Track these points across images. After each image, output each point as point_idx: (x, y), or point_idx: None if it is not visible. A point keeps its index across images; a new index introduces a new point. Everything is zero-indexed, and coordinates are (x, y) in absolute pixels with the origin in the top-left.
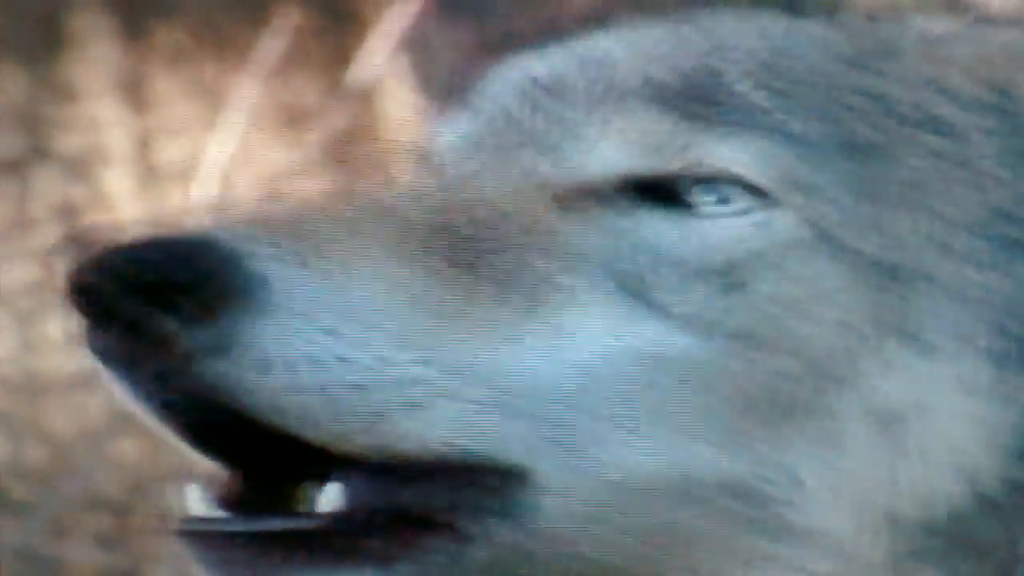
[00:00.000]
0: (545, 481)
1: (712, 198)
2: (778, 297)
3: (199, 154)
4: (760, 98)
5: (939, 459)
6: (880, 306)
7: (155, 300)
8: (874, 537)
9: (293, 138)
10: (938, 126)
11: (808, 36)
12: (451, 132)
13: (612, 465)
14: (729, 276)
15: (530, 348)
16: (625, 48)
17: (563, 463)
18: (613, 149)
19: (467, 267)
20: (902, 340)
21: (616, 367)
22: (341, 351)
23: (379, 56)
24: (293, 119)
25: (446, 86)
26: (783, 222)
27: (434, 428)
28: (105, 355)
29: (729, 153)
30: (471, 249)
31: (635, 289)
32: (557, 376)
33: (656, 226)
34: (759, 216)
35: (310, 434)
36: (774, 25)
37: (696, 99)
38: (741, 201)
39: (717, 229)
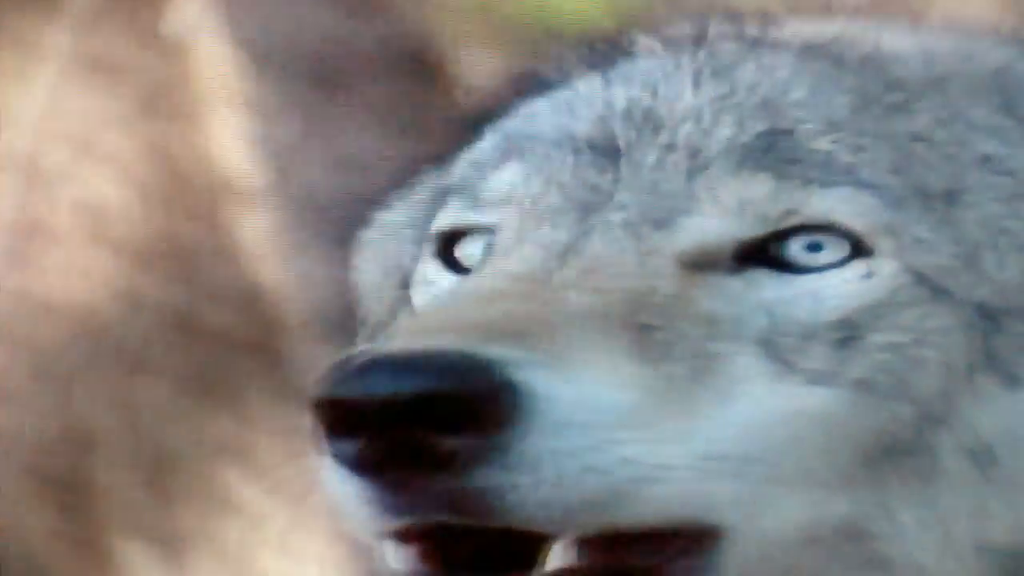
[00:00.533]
0: (737, 536)
1: (810, 252)
2: (889, 345)
3: (8, 105)
4: (839, 153)
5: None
6: (973, 344)
7: (424, 416)
8: (963, 566)
9: (106, 90)
10: (994, 166)
11: (838, 83)
12: (551, 219)
13: (785, 517)
14: (844, 330)
15: (711, 417)
16: (695, 109)
17: (751, 519)
18: (722, 217)
19: (660, 352)
20: (992, 375)
21: (774, 426)
22: (613, 452)
23: (193, 6)
24: (105, 70)
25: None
26: (886, 271)
27: (668, 501)
28: (357, 465)
29: (826, 205)
30: (655, 335)
31: (766, 350)
32: (739, 440)
33: (771, 287)
34: (861, 267)
35: (564, 529)
36: (801, 73)
37: (780, 159)
38: (837, 251)
39: (827, 286)
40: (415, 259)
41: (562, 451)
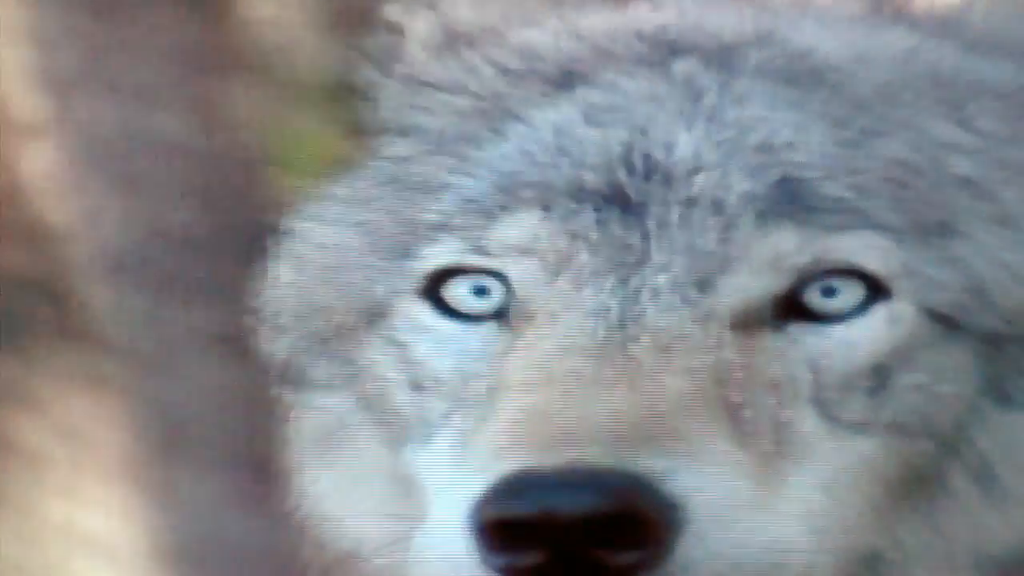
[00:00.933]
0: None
1: (825, 297)
2: (913, 387)
3: None
4: (848, 196)
5: (1020, 497)
6: (980, 372)
7: (596, 532)
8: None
9: None
10: (973, 189)
11: (807, 110)
12: (594, 289)
13: (832, 556)
14: (875, 377)
15: (799, 486)
16: (696, 156)
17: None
18: (758, 274)
19: (750, 430)
20: (989, 396)
21: (837, 481)
22: (753, 542)
23: None
24: None
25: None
26: (907, 315)
27: (794, 571)
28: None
29: (848, 250)
30: (743, 413)
31: (818, 408)
32: (820, 502)
33: (810, 342)
34: (884, 313)
35: None
36: (775, 105)
37: (798, 208)
38: (851, 294)
39: (858, 335)
40: (389, 292)
41: (714, 550)
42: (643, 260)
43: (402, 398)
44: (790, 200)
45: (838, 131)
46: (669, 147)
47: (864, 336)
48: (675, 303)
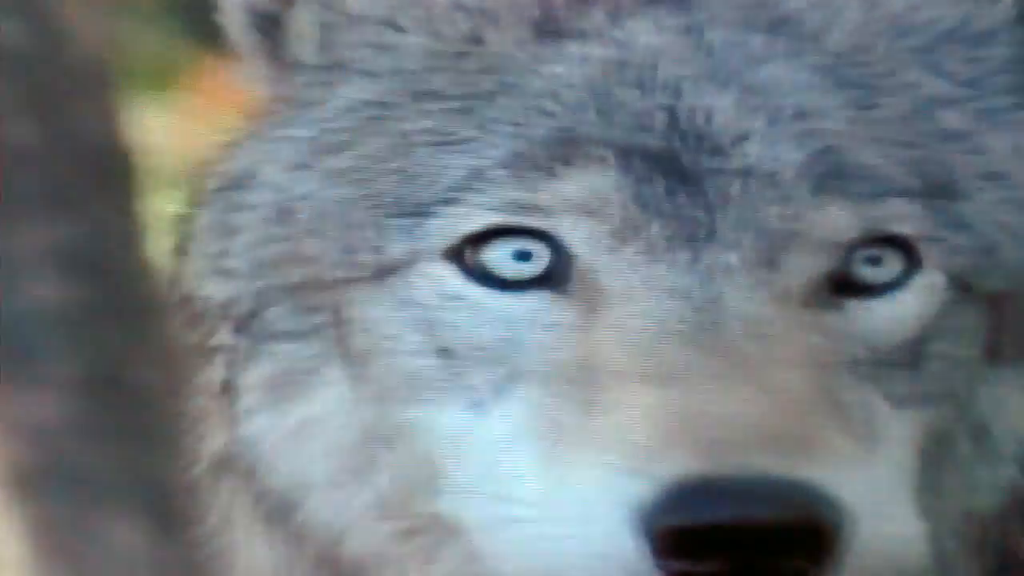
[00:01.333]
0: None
1: (871, 266)
2: (941, 354)
3: None
4: (879, 163)
5: (1008, 453)
6: (985, 334)
7: (775, 541)
8: (953, 535)
9: None
10: (965, 144)
11: (813, 71)
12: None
13: None
14: (912, 349)
15: (902, 467)
16: (737, 120)
17: None
18: (817, 251)
19: (859, 425)
20: (990, 358)
21: (902, 459)
22: (902, 538)
23: None
24: None
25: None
26: (938, 284)
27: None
28: None
29: (888, 218)
30: (851, 411)
31: (878, 387)
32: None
33: (860, 317)
34: (921, 283)
35: None
36: (794, 66)
37: (844, 180)
38: (894, 263)
39: (901, 308)
40: (406, 251)
41: (875, 553)
42: (710, 236)
43: (421, 361)
44: (836, 171)
45: (848, 92)
46: (708, 112)
47: (909, 308)
48: (751, 284)
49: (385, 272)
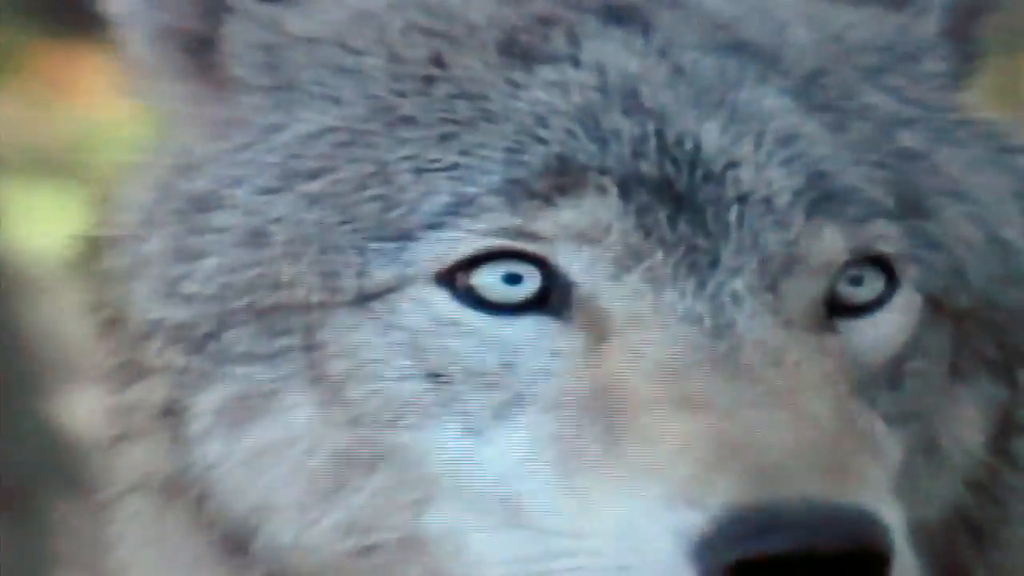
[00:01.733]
0: None
1: (853, 286)
2: (918, 372)
3: None
4: (862, 185)
5: (957, 464)
6: (951, 349)
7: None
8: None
9: None
10: (922, 162)
11: (783, 92)
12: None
13: None
14: (893, 367)
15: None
16: (730, 148)
17: None
18: (814, 275)
19: (875, 449)
20: (951, 375)
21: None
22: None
23: None
24: None
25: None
26: (914, 301)
27: None
28: None
29: (873, 236)
30: (865, 434)
31: (873, 407)
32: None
33: (852, 338)
34: (900, 302)
35: None
36: (762, 87)
37: (833, 204)
38: (875, 282)
39: (885, 328)
40: (393, 275)
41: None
42: (714, 263)
43: (410, 386)
44: (826, 195)
45: (819, 115)
46: (696, 139)
47: (891, 326)
48: (760, 309)
49: (369, 297)
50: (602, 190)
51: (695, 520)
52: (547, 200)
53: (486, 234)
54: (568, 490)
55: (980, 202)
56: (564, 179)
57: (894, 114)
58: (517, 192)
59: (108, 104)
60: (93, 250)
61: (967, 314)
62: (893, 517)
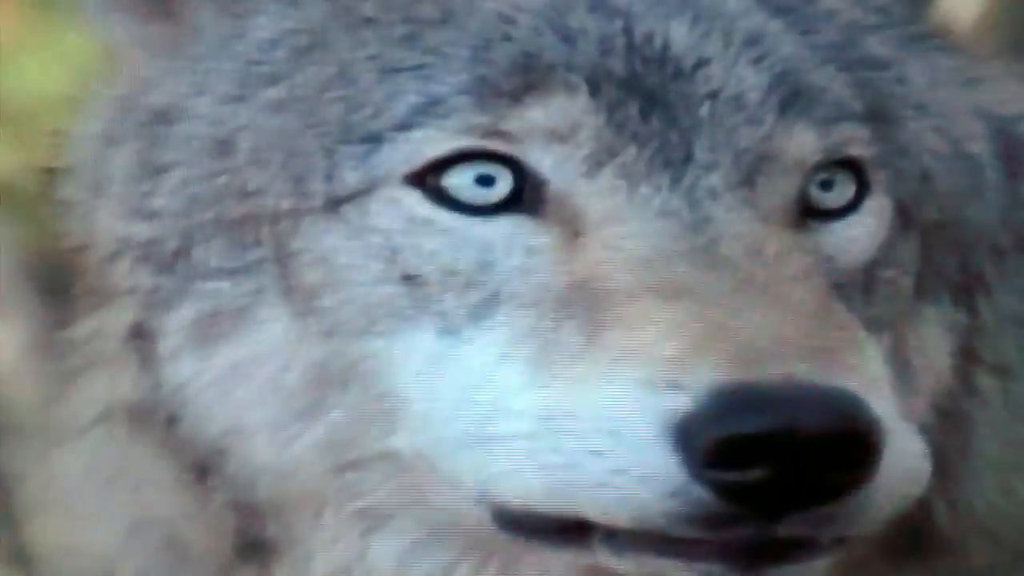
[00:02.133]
0: None
1: (823, 191)
2: (889, 280)
3: None
4: (832, 86)
5: (928, 386)
6: (919, 263)
7: (818, 450)
8: None
9: None
10: (890, 72)
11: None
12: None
13: None
14: (867, 273)
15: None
16: (698, 45)
17: None
18: (787, 173)
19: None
20: (915, 293)
21: None
22: (920, 454)
23: None
24: None
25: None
26: (886, 206)
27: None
28: (751, 491)
29: (844, 141)
30: (851, 316)
31: (850, 307)
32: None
33: (823, 240)
34: (873, 207)
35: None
36: None
37: (805, 103)
38: (846, 187)
39: (858, 231)
40: (363, 178)
41: (901, 469)
42: (688, 158)
43: (384, 290)
44: (797, 94)
45: (783, 17)
46: (665, 38)
47: (863, 231)
48: (737, 204)
49: (339, 201)
50: (571, 87)
51: (677, 401)
52: (515, 99)
53: (456, 133)
54: (548, 379)
55: (946, 115)
56: (532, 76)
57: (858, 20)
58: (485, 90)
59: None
60: (50, 182)
61: (934, 227)
62: (885, 406)
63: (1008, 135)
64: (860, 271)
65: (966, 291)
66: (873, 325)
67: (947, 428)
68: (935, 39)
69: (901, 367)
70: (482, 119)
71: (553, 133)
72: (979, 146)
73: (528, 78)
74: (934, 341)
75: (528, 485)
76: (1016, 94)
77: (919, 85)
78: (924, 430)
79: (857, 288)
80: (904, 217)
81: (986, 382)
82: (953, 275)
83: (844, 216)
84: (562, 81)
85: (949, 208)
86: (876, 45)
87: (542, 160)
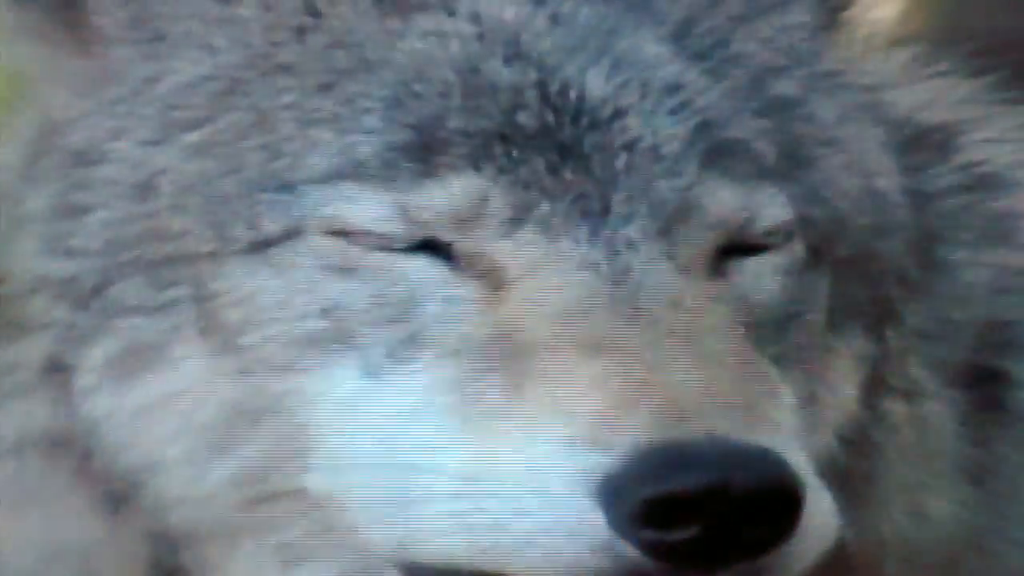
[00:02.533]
0: None
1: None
2: (799, 321)
3: None
4: (751, 140)
5: (833, 419)
6: (829, 298)
7: (744, 508)
8: None
9: None
10: (798, 111)
11: (661, 39)
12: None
13: None
14: (781, 314)
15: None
16: (613, 97)
17: None
18: (711, 224)
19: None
20: (830, 325)
21: None
22: (831, 505)
23: None
24: None
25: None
26: (799, 251)
27: None
28: (680, 551)
29: (774, 208)
30: (758, 370)
31: (765, 347)
32: None
33: (743, 281)
34: (793, 251)
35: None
36: (641, 32)
37: (724, 158)
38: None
39: (772, 269)
40: (284, 226)
41: (817, 524)
42: (605, 210)
43: (307, 325)
44: (716, 147)
45: (698, 64)
46: (582, 88)
47: (774, 270)
48: (654, 254)
49: (261, 245)
50: (473, 161)
51: (601, 461)
52: (418, 179)
53: (370, 201)
54: (470, 436)
55: (855, 151)
56: (432, 154)
57: (766, 62)
58: (394, 160)
59: None
60: None
61: (845, 263)
62: (801, 461)
63: (914, 133)
64: (772, 309)
65: (876, 322)
66: (784, 362)
67: (853, 455)
68: (842, 75)
69: (808, 402)
70: (392, 194)
71: (456, 216)
72: (887, 182)
73: (428, 156)
74: (843, 374)
75: (451, 545)
76: (933, 93)
77: (828, 121)
78: (830, 458)
79: (769, 327)
80: (815, 256)
81: (893, 407)
82: (865, 307)
83: (758, 253)
84: (464, 157)
85: (860, 244)
86: (786, 86)
87: (452, 236)
